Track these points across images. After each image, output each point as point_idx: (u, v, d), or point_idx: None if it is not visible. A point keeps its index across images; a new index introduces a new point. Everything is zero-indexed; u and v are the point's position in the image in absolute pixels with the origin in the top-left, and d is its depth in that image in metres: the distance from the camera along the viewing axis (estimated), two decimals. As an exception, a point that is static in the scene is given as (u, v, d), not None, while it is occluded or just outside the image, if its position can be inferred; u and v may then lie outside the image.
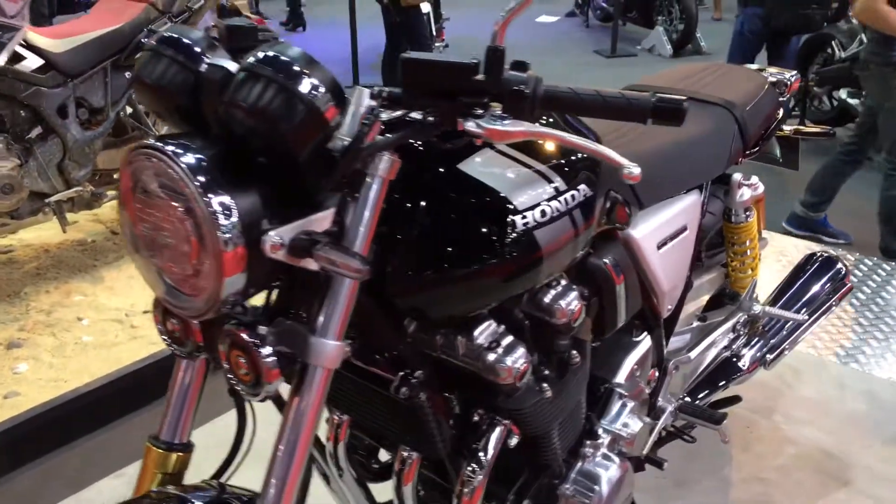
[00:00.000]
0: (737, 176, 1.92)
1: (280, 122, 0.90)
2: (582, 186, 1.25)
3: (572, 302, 1.31)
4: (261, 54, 0.91)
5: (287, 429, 1.03)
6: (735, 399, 2.05)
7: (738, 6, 4.95)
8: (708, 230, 2.01)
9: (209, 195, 0.89)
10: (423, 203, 1.13)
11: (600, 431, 1.48)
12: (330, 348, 1.02)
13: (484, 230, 1.14)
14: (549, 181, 1.21)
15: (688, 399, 1.89)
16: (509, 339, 1.25)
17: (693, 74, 2.07)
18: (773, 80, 2.15)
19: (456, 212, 1.14)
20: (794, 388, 2.59)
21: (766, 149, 2.21)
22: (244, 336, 0.99)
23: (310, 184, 0.97)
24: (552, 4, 10.95)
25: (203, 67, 0.98)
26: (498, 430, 1.28)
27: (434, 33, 7.20)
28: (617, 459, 1.46)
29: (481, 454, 1.27)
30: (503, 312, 1.29)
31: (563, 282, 1.33)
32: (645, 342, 1.68)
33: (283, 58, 0.90)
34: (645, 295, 1.65)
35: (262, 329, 1.03)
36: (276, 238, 0.93)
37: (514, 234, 1.15)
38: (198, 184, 0.89)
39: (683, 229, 1.74)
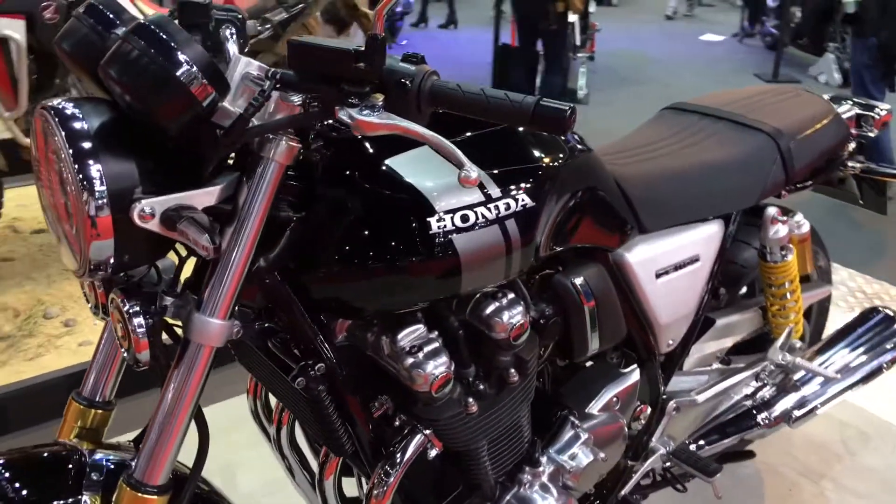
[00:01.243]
0: (771, 210, 1.75)
1: (145, 95, 0.91)
2: (522, 197, 1.19)
3: (515, 316, 1.24)
4: (135, 25, 0.92)
5: (164, 403, 1.04)
6: (748, 454, 1.87)
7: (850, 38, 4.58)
8: (742, 266, 1.85)
9: (80, 160, 0.92)
10: (346, 194, 1.12)
11: (543, 459, 1.39)
12: (213, 326, 1.02)
13: (397, 228, 1.11)
14: (482, 187, 1.15)
15: (689, 445, 1.75)
16: (434, 346, 1.20)
17: (751, 97, 1.92)
18: (852, 112, 1.95)
19: (374, 206, 1.11)
20: (856, 455, 2.32)
21: (833, 184, 2.00)
22: (120, 302, 1.02)
23: (193, 159, 0.98)
24: (719, 25, 10.55)
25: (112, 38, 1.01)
26: (417, 438, 1.24)
27: (579, 44, 7.08)
28: (555, 492, 1.37)
29: (395, 458, 1.23)
30: (438, 318, 1.25)
31: (510, 295, 1.26)
32: (632, 375, 1.57)
33: (155, 30, 0.90)
34: (636, 324, 1.55)
35: (168, 300, 1.06)
36: (147, 208, 0.94)
37: (428, 236, 1.10)
38: (70, 148, 0.92)
39: (694, 260, 1.61)
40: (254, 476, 2.16)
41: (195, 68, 0.91)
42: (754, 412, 1.83)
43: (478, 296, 1.26)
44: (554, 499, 1.36)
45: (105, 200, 0.92)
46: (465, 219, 1.12)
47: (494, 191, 1.16)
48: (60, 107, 0.95)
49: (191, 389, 1.05)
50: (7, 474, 1.09)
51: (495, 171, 1.18)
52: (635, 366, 1.58)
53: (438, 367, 1.18)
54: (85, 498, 1.08)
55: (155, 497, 1.05)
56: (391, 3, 0.94)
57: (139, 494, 1.04)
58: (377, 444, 1.26)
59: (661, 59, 8.63)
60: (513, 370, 1.28)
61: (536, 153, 1.26)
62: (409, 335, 1.20)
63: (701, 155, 1.68)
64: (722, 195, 1.66)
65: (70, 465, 1.12)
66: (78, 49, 1.02)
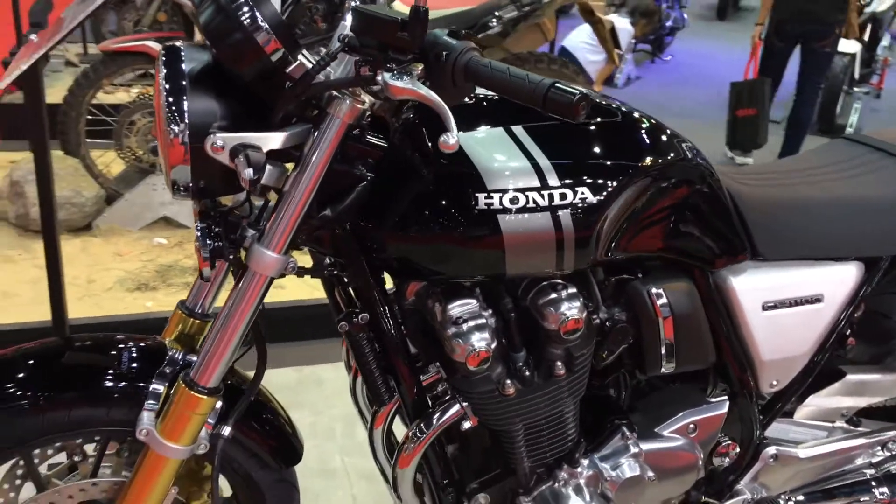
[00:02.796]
0: (924, 261, 1.54)
1: (221, 44, 1.05)
2: (583, 191, 1.18)
3: (569, 311, 1.24)
4: None
5: (220, 318, 1.19)
6: None
7: None
8: (892, 320, 1.65)
9: (172, 93, 1.08)
10: (413, 161, 1.19)
11: (584, 462, 1.37)
12: (268, 258, 1.15)
13: (451, 199, 1.16)
14: (540, 173, 1.17)
15: (786, 500, 1.60)
16: (480, 322, 1.24)
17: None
18: None
19: (435, 176, 1.18)
20: None
21: None
22: (198, 223, 1.18)
23: (268, 106, 1.11)
24: None
25: None
26: (454, 407, 1.29)
27: (857, 77, 6.48)
28: (589, 496, 1.34)
29: (430, 421, 1.29)
30: (497, 300, 1.29)
31: (571, 290, 1.27)
32: (719, 406, 1.48)
33: (238, -10, 1.04)
34: (732, 355, 1.45)
35: (248, 232, 1.20)
36: (219, 141, 1.08)
37: (476, 212, 1.15)
38: (166, 82, 1.09)
39: (815, 300, 1.48)
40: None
41: (266, 25, 1.03)
42: (872, 483, 1.62)
43: (540, 285, 1.28)
44: (585, 502, 1.34)
45: (185, 130, 1.08)
46: (514, 200, 1.15)
47: (553, 180, 1.17)
48: (170, 47, 1.13)
49: (244, 311, 1.18)
50: (103, 353, 1.31)
51: (562, 163, 1.19)
52: (726, 398, 1.49)
53: (479, 342, 1.22)
54: (155, 385, 1.26)
55: (203, 396, 1.20)
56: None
57: (191, 392, 1.20)
58: (420, 406, 1.32)
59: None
60: (560, 363, 1.29)
61: (620, 154, 1.24)
62: (460, 307, 1.25)
63: (851, 189, 1.53)
64: (866, 236, 1.50)
65: (154, 357, 1.31)
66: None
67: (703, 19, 11.72)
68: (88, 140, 3.54)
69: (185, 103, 1.08)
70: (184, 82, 1.09)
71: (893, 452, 1.64)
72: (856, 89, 6.46)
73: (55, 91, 5.11)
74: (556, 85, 0.92)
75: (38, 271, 3.08)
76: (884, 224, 1.51)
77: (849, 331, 1.54)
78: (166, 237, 3.44)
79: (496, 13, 3.65)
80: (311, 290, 3.11)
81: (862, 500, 1.63)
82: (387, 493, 2.05)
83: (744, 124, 5.00)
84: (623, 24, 5.31)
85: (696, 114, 5.33)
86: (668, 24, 8.43)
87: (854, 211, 1.50)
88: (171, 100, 1.08)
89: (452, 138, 0.98)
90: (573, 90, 0.92)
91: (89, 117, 3.48)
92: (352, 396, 1.60)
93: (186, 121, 1.08)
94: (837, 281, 1.49)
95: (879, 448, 1.64)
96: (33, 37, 1.56)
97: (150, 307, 2.92)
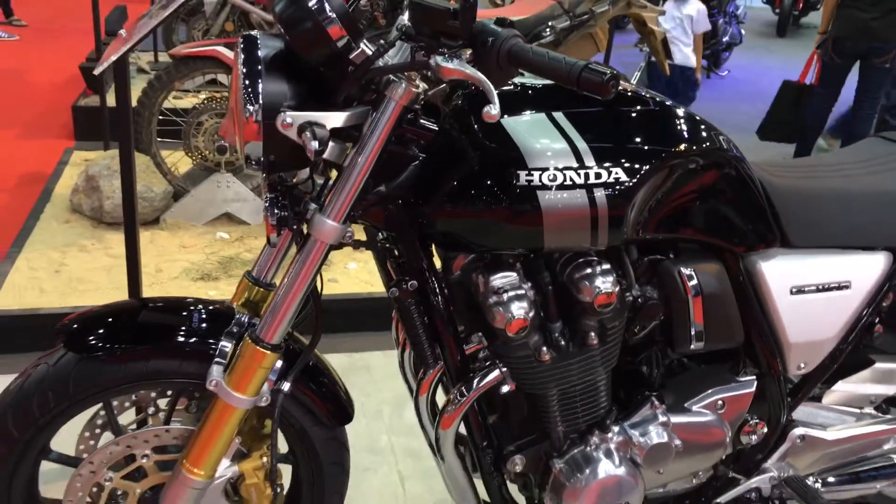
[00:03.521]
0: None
1: (291, 30, 1.18)
2: (617, 172, 1.28)
3: (603, 285, 1.34)
4: None
5: (284, 282, 1.32)
6: None
7: None
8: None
9: (247, 76, 1.22)
10: (462, 142, 1.31)
11: (615, 428, 1.46)
12: (328, 226, 1.28)
13: (495, 177, 1.27)
14: (578, 154, 1.27)
15: (813, 481, 1.66)
16: (519, 292, 1.35)
17: None
18: None
19: (481, 156, 1.29)
20: None
21: None
22: (267, 194, 1.31)
23: (332, 88, 1.24)
24: None
25: None
26: (493, 372, 1.40)
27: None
28: (618, 460, 1.43)
29: (471, 384, 1.40)
30: (537, 274, 1.39)
31: (605, 266, 1.37)
32: (747, 385, 1.55)
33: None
34: (760, 337, 1.53)
35: (311, 206, 1.33)
36: (288, 119, 1.21)
37: (517, 188, 1.26)
38: (243, 67, 1.23)
39: (843, 286, 1.54)
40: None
41: (333, 14, 1.16)
42: (900, 466, 1.68)
43: (576, 261, 1.38)
44: (615, 465, 1.43)
45: (259, 109, 1.22)
46: (552, 178, 1.26)
47: (589, 161, 1.28)
48: (248, 36, 1.27)
49: (305, 275, 1.31)
50: (176, 313, 1.45)
51: (598, 145, 1.29)
52: (754, 378, 1.56)
53: (518, 310, 1.33)
54: (224, 343, 1.40)
55: (267, 352, 1.33)
56: None
57: (256, 347, 1.33)
58: (463, 371, 1.43)
59: None
60: (593, 334, 1.38)
61: (654, 139, 1.34)
62: (502, 278, 1.36)
63: (881, 183, 1.60)
64: (892, 225, 1.56)
65: (222, 319, 1.45)
66: None
67: (762, 36, 11.63)
68: (159, 139, 3.75)
69: (260, 85, 1.21)
70: (259, 67, 1.22)
71: (922, 439, 1.69)
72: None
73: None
74: (589, 66, 1.03)
75: (110, 260, 3.29)
76: (910, 215, 1.57)
77: (877, 319, 1.60)
78: (228, 232, 3.62)
79: (549, 23, 3.76)
80: (362, 285, 3.26)
81: (889, 483, 1.68)
82: (431, 469, 2.17)
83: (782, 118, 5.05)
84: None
85: (750, 128, 5.35)
86: (725, 39, 8.42)
87: (883, 202, 1.57)
88: (247, 82, 1.22)
89: (495, 109, 1.10)
90: (604, 70, 1.02)
91: (161, 117, 3.69)
92: (400, 369, 1.71)
93: (260, 101, 1.21)
94: (865, 269, 1.56)
95: (909, 434, 1.69)
96: (122, 31, 1.72)
97: (212, 295, 3.09)
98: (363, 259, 3.48)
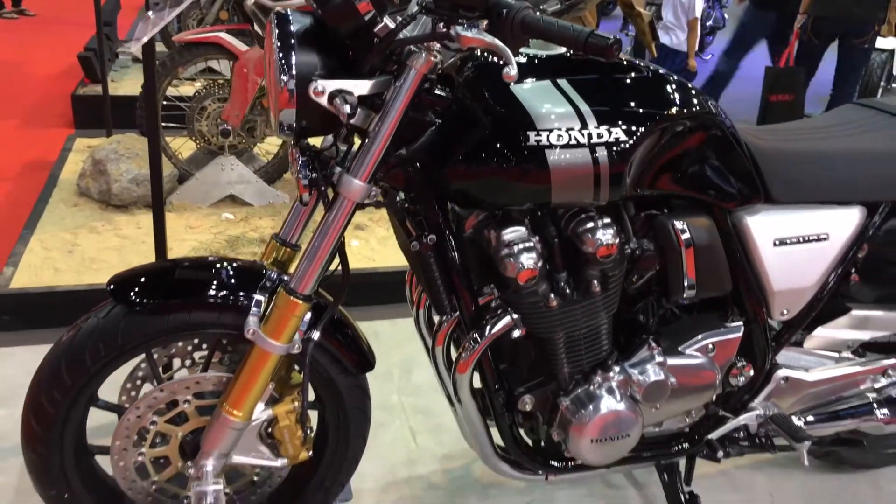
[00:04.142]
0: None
1: (325, 6, 1.30)
2: (617, 132, 1.42)
3: (604, 237, 1.48)
4: None
5: (315, 237, 1.45)
6: (857, 442, 1.85)
7: None
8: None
9: (281, 49, 1.34)
10: (475, 108, 1.44)
11: (616, 368, 1.60)
12: (355, 185, 1.41)
13: (506, 138, 1.40)
14: (581, 117, 1.41)
15: (796, 419, 1.81)
16: (528, 245, 1.48)
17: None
18: None
19: (493, 119, 1.42)
20: None
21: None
22: (295, 153, 1.44)
23: (359, 58, 1.36)
24: None
25: None
26: (505, 318, 1.53)
27: (895, 73, 6.57)
28: (619, 397, 1.58)
29: (484, 330, 1.53)
30: (543, 228, 1.52)
31: (606, 220, 1.50)
32: (734, 330, 1.70)
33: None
34: (746, 285, 1.67)
35: (336, 169, 1.46)
36: (320, 87, 1.34)
37: (527, 148, 1.39)
38: (277, 40, 1.35)
39: (821, 238, 1.69)
40: (424, 373, 2.57)
41: None
42: (874, 405, 1.83)
43: (580, 216, 1.51)
44: (616, 401, 1.57)
45: (293, 78, 1.34)
46: (558, 138, 1.39)
47: (592, 122, 1.41)
48: (280, 13, 1.39)
49: (335, 230, 1.44)
50: (211, 270, 1.57)
51: (600, 109, 1.43)
52: (741, 324, 1.70)
53: (527, 261, 1.46)
54: (258, 296, 1.53)
55: (300, 301, 1.47)
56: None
57: (290, 297, 1.46)
58: (477, 319, 1.56)
59: None
60: (595, 282, 1.52)
61: (650, 103, 1.47)
62: (512, 232, 1.49)
63: (855, 143, 1.74)
64: (867, 182, 1.70)
65: (254, 275, 1.58)
66: None
67: (745, 20, 11.80)
68: (163, 125, 3.86)
69: (293, 57, 1.34)
70: (292, 41, 1.35)
71: (893, 379, 1.84)
72: (893, 85, 6.56)
73: (125, 84, 5.49)
74: (594, 33, 1.17)
75: (120, 240, 3.40)
76: (884, 172, 1.71)
77: (853, 269, 1.75)
78: (233, 213, 3.73)
79: (541, 6, 3.88)
80: (365, 261, 3.39)
81: (865, 419, 1.84)
82: (439, 425, 2.31)
83: (776, 109, 5.13)
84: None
85: (732, 110, 5.51)
86: (709, 23, 8.57)
87: (857, 160, 1.71)
88: (281, 55, 1.35)
89: (513, 70, 1.23)
90: (608, 36, 1.16)
91: (164, 103, 3.79)
92: (416, 326, 1.85)
93: (294, 71, 1.34)
94: (841, 222, 1.70)
95: (881, 375, 1.84)
96: (150, 13, 1.83)
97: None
98: (365, 237, 3.61)
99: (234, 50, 3.65)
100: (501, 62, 1.26)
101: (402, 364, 2.63)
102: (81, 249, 3.28)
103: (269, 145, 4.07)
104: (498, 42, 1.24)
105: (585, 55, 1.19)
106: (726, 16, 9.16)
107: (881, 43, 6.17)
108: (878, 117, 1.84)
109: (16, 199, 3.88)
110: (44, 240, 3.33)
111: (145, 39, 1.76)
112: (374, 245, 3.56)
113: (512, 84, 1.43)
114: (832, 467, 2.21)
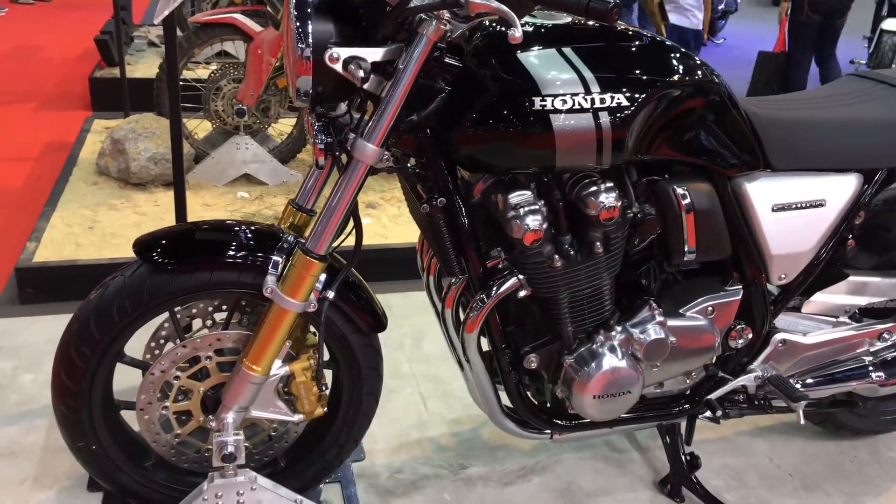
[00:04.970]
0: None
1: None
2: (619, 97, 1.48)
3: (607, 200, 1.54)
4: None
5: (331, 199, 1.52)
6: (852, 404, 1.91)
7: None
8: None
9: (299, 19, 1.41)
10: (483, 75, 1.50)
11: (618, 328, 1.67)
12: (368, 149, 1.48)
13: (513, 103, 1.46)
14: (585, 83, 1.47)
15: (795, 381, 1.87)
16: (534, 208, 1.54)
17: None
18: None
19: (501, 86, 1.48)
20: None
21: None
22: (311, 119, 1.50)
23: (372, 27, 1.43)
24: None
25: None
26: (512, 279, 1.60)
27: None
28: (621, 354, 1.65)
29: (491, 290, 1.60)
30: (549, 192, 1.59)
31: (609, 183, 1.56)
32: (733, 293, 1.76)
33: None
34: (745, 250, 1.73)
35: (350, 135, 1.52)
36: (335, 54, 1.41)
37: (532, 112, 1.45)
38: (294, 10, 1.42)
39: (818, 204, 1.74)
40: (434, 343, 2.64)
41: None
42: (870, 368, 1.89)
43: (584, 181, 1.57)
44: (617, 359, 1.64)
45: (309, 46, 1.41)
46: (563, 102, 1.45)
47: (595, 88, 1.47)
48: (298, -15, 1.46)
49: (349, 192, 1.51)
50: (230, 233, 1.64)
51: (603, 75, 1.49)
52: (740, 287, 1.76)
53: (533, 223, 1.53)
54: (276, 257, 1.60)
55: (315, 261, 1.54)
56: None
57: (306, 257, 1.54)
58: (484, 280, 1.63)
59: None
60: (598, 244, 1.59)
61: (651, 71, 1.53)
62: (518, 196, 1.56)
63: (853, 112, 1.79)
64: (864, 150, 1.76)
65: (271, 238, 1.65)
66: None
67: (759, 4, 11.77)
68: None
69: (310, 26, 1.41)
70: (308, 10, 1.42)
71: (888, 342, 1.90)
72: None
73: (141, 67, 5.57)
74: (594, -1, 1.23)
75: (139, 217, 3.48)
76: (881, 140, 1.76)
77: (850, 235, 1.80)
78: (248, 191, 3.81)
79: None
80: (378, 238, 3.46)
81: (861, 382, 1.90)
82: (449, 391, 2.38)
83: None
84: None
85: (740, 94, 5.60)
86: (721, 7, 8.57)
87: (854, 129, 1.76)
88: (298, 24, 1.41)
89: (518, 32, 1.29)
90: (609, 1, 1.22)
91: (182, 83, 3.87)
92: (426, 291, 1.91)
93: (310, 40, 1.41)
94: (838, 189, 1.76)
95: (876, 339, 1.90)
96: (166, -11, 1.90)
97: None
98: (377, 215, 3.68)
99: (249, 31, 3.71)
100: (508, 28, 1.32)
101: (413, 334, 2.70)
102: (101, 225, 3.37)
103: (283, 126, 4.14)
104: (503, 7, 1.31)
105: (587, 20, 1.25)
106: (739, 0, 9.16)
107: (889, 25, 6.20)
108: (876, 88, 1.89)
109: (37, 178, 3.98)
110: (65, 216, 3.41)
111: (166, 13, 1.84)
112: (386, 222, 3.63)
113: (518, 52, 1.49)
114: (831, 434, 2.27)
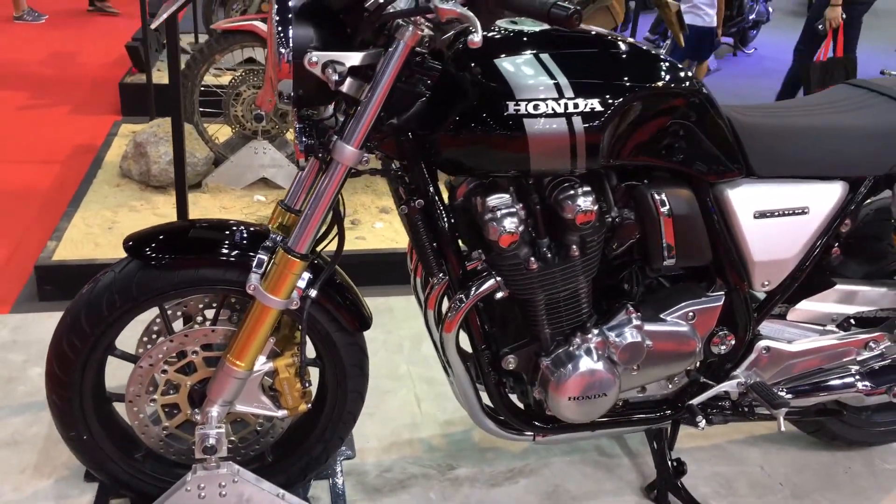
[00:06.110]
0: (902, 181, 1.78)
1: (316, -17, 1.42)
2: (593, 103, 1.50)
3: (584, 204, 1.56)
4: None
5: (310, 199, 1.57)
6: (837, 412, 1.89)
7: None
8: (882, 241, 1.89)
9: (280, 24, 1.45)
10: (461, 80, 1.53)
11: (594, 331, 1.68)
12: (347, 151, 1.52)
13: (488, 107, 1.50)
14: (559, 88, 1.49)
15: (779, 389, 1.86)
16: (511, 211, 1.57)
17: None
18: None
19: (477, 90, 1.51)
20: None
21: None
22: (296, 123, 1.55)
23: (351, 32, 1.47)
24: None
25: None
26: (489, 280, 1.63)
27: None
28: (597, 357, 1.66)
29: (469, 291, 1.63)
30: (527, 196, 1.61)
31: (586, 188, 1.58)
32: (716, 299, 1.76)
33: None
34: (727, 256, 1.73)
35: (333, 137, 1.57)
36: (314, 58, 1.45)
37: (506, 116, 1.48)
38: (276, 16, 1.46)
39: (802, 211, 1.74)
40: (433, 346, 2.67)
41: None
42: (856, 377, 1.87)
43: (562, 185, 1.60)
44: (593, 362, 1.66)
45: (290, 50, 1.45)
46: (536, 107, 1.48)
47: (569, 93, 1.49)
48: (282, -7, 1.51)
49: (328, 194, 1.56)
50: (220, 231, 1.70)
51: (578, 81, 1.51)
52: (723, 293, 1.77)
53: (509, 225, 1.56)
54: (261, 254, 1.64)
55: (296, 259, 1.58)
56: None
57: (288, 256, 1.58)
58: (464, 282, 1.66)
59: None
60: (575, 247, 1.61)
61: (628, 77, 1.55)
62: (496, 199, 1.59)
63: (839, 120, 1.79)
64: (850, 158, 1.75)
65: (259, 237, 1.70)
66: None
67: (794, 15, 11.62)
68: (200, 110, 4.03)
69: (290, 31, 1.46)
70: (289, 15, 1.46)
71: (875, 351, 1.88)
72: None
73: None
74: (557, 4, 1.26)
75: (157, 219, 3.57)
76: (866, 149, 1.76)
77: (835, 243, 1.80)
78: (264, 195, 3.88)
79: (566, -4, 3.93)
80: (388, 242, 3.50)
81: (847, 391, 1.88)
82: (443, 393, 2.41)
83: None
84: None
85: (769, 102, 5.55)
86: (752, 17, 8.50)
87: (840, 136, 1.76)
88: (279, 29, 1.46)
89: (477, 37, 1.33)
90: (570, 7, 1.25)
91: (202, 88, 3.97)
92: (413, 291, 1.95)
93: (291, 44, 1.45)
94: (822, 196, 1.75)
95: (863, 348, 1.88)
96: (167, -7, 1.97)
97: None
98: (389, 220, 3.72)
99: (267, 35, 3.79)
100: (470, 33, 1.36)
101: (413, 337, 2.74)
102: (120, 226, 3.47)
103: (302, 131, 4.21)
104: (468, 12, 1.34)
105: (550, 25, 1.28)
106: (771, 9, 9.06)
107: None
108: (867, 96, 1.88)
109: (63, 179, 4.10)
110: (86, 217, 3.52)
111: (165, 16, 1.90)
112: (398, 227, 3.67)
113: (496, 58, 1.52)
114: (826, 444, 2.25)
